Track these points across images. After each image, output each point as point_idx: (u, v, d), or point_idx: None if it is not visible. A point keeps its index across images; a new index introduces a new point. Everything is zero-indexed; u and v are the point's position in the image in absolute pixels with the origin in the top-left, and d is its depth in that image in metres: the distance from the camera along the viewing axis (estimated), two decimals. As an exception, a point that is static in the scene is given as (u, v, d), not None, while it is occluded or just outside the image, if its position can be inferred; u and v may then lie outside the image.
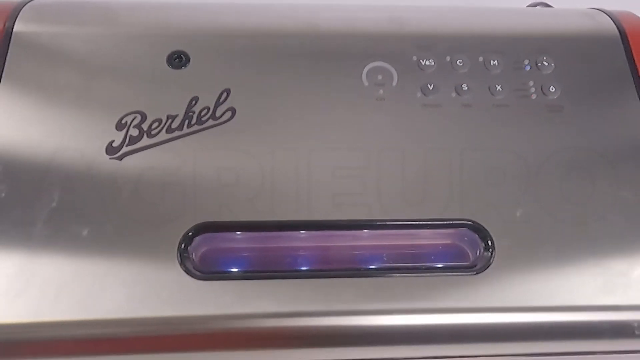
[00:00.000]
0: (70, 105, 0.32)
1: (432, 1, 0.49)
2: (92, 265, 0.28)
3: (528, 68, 0.35)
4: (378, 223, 0.31)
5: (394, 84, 0.34)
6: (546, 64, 0.35)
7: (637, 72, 0.36)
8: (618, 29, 0.37)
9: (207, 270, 0.29)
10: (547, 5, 0.47)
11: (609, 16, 0.38)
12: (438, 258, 0.31)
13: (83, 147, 0.31)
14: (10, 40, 0.33)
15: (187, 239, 0.29)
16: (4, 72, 0.32)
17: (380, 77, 0.34)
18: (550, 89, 0.35)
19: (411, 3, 0.41)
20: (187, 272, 0.28)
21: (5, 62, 0.33)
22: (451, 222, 0.31)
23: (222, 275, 0.29)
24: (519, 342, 0.29)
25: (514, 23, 0.38)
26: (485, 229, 0.31)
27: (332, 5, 0.38)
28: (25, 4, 0.35)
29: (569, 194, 0.32)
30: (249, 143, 0.32)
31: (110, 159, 0.31)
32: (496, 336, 0.29)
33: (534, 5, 0.47)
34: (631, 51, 0.37)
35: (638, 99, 0.35)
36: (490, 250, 0.30)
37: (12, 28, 0.34)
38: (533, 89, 0.35)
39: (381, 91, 0.34)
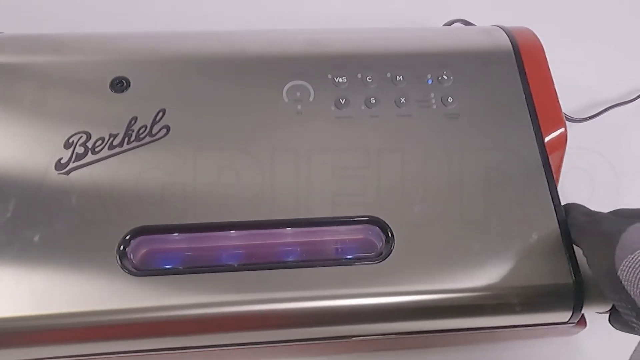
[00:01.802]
0: (24, 126, 0.36)
1: (355, 23, 0.54)
2: (43, 266, 0.33)
3: (430, 82, 0.40)
4: (294, 221, 0.35)
5: (311, 99, 0.39)
6: (446, 77, 0.40)
7: (527, 83, 0.41)
8: (512, 44, 0.42)
9: (142, 267, 0.33)
10: (467, 22, 0.52)
11: (505, 32, 0.43)
12: (349, 250, 0.36)
13: (35, 164, 0.35)
14: (-30, 71, 0.38)
15: (125, 241, 0.34)
16: (-35, 99, 0.37)
17: (298, 93, 0.39)
18: (449, 100, 0.40)
19: (338, 25, 0.46)
20: (125, 269, 0.33)
21: (-35, 90, 0.37)
22: (357, 218, 0.36)
23: (155, 272, 0.33)
24: (412, 320, 0.34)
25: (421, 41, 0.43)
26: (387, 224, 0.35)
27: (257, 31, 0.43)
28: (-16, 38, 0.40)
29: (460, 192, 0.37)
30: (181, 156, 0.36)
31: (58, 174, 0.35)
32: (396, 315, 0.34)
33: (452, 22, 0.52)
34: (523, 64, 0.42)
35: (526, 107, 0.40)
36: (391, 241, 0.35)
37: (-27, 60, 0.38)
38: (434, 100, 0.40)
39: (299, 106, 0.39)
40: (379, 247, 0.35)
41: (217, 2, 0.57)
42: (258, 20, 0.55)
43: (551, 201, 0.37)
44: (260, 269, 0.34)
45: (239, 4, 0.57)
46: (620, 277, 0.29)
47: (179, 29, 0.43)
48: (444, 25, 0.52)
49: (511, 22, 0.46)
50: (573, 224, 0.35)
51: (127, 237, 0.33)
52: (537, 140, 0.39)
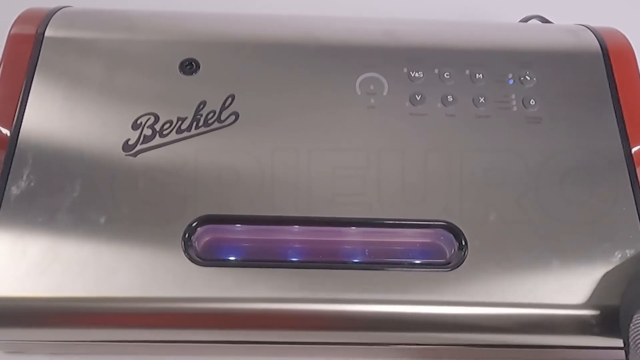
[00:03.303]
0: (92, 105, 0.36)
1: (428, 14, 0.52)
2: (108, 249, 0.32)
3: (511, 82, 0.38)
4: (364, 221, 0.34)
5: (385, 93, 0.37)
6: (528, 78, 0.38)
7: (616, 87, 0.38)
8: (600, 45, 0.40)
9: (208, 257, 0.33)
10: (544, 19, 0.49)
11: (593, 32, 0.41)
12: (417, 254, 0.34)
13: (103, 144, 0.35)
14: (42, 44, 0.37)
15: (191, 229, 0.33)
16: (36, 73, 0.36)
17: (372, 86, 0.37)
18: (531, 102, 0.37)
19: (408, 16, 0.43)
20: (190, 258, 0.32)
21: (37, 64, 0.37)
22: (429, 222, 0.34)
23: (221, 263, 0.33)
24: (485, 333, 0.33)
25: (501, 38, 0.40)
26: (460, 230, 0.34)
27: (330, 17, 0.41)
28: (56, 12, 0.39)
29: (540, 200, 0.35)
30: (249, 144, 0.35)
31: (126, 155, 0.35)
32: (464, 327, 0.33)
33: (528, 19, 0.49)
34: (612, 67, 0.39)
35: (614, 114, 0.37)
36: (464, 249, 0.33)
37: (44, 33, 0.38)
38: (514, 102, 0.37)
39: (372, 100, 0.37)
40: (449, 254, 0.34)
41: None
42: (312, 6, 0.53)
43: (638, 219, 0.34)
44: (324, 268, 0.33)
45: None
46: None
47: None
48: (521, 21, 0.50)
49: (588, 21, 0.43)
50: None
51: (194, 225, 0.33)
52: (624, 152, 0.36)
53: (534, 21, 0.49)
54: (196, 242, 0.33)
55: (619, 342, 0.33)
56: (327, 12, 0.45)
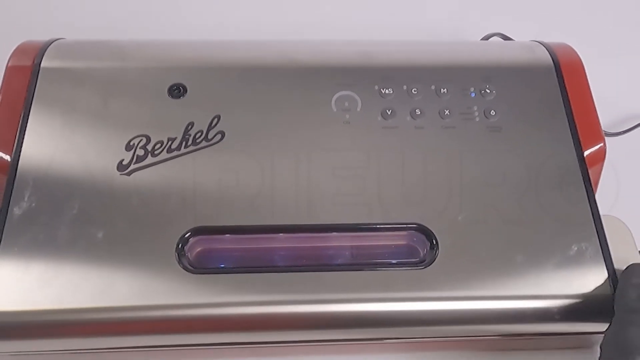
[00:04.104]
0: (87, 129, 0.38)
1: (396, 35, 0.56)
2: (106, 262, 0.35)
3: (473, 95, 0.42)
4: (344, 226, 0.37)
5: (359, 109, 0.41)
6: (488, 91, 0.42)
7: (568, 97, 0.42)
8: (553, 59, 0.44)
9: (200, 266, 0.35)
10: (504, 36, 0.53)
11: (546, 48, 0.45)
12: (394, 255, 0.37)
13: (98, 165, 0.37)
14: (38, 74, 0.40)
15: (184, 240, 0.35)
16: (34, 101, 0.39)
17: (346, 103, 0.41)
18: (491, 113, 0.41)
19: (376, 37, 0.47)
20: (184, 267, 0.35)
21: (34, 93, 0.39)
22: (403, 225, 0.37)
23: (212, 270, 0.35)
24: (458, 325, 0.35)
25: (463, 56, 0.44)
26: (431, 231, 0.37)
27: (304, 40, 0.44)
28: (50, 44, 0.42)
29: (502, 201, 0.38)
30: (235, 160, 0.38)
31: (120, 175, 0.37)
32: (440, 320, 0.35)
33: (490, 36, 0.53)
34: (563, 79, 0.43)
35: (567, 122, 0.41)
36: (435, 248, 0.36)
37: (40, 64, 0.40)
38: (477, 113, 0.41)
39: (347, 116, 0.40)
40: (422, 254, 0.37)
41: (254, 14, 0.59)
42: (294, 31, 0.57)
43: (591, 215, 0.38)
44: (309, 271, 0.35)
45: (276, 16, 0.59)
46: None
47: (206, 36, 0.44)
48: (482, 39, 0.54)
49: (542, 37, 0.47)
50: (620, 299, 0.34)
51: (187, 236, 0.35)
52: (577, 155, 0.40)
53: (495, 38, 0.53)
54: (189, 253, 0.35)
55: (580, 328, 0.36)
56: (303, 34, 0.49)
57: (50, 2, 0.59)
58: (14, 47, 0.42)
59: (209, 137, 0.39)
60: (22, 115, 0.38)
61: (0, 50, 0.42)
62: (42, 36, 0.44)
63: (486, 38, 0.53)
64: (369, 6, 0.61)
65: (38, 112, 0.39)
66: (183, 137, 0.39)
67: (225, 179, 0.37)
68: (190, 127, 0.39)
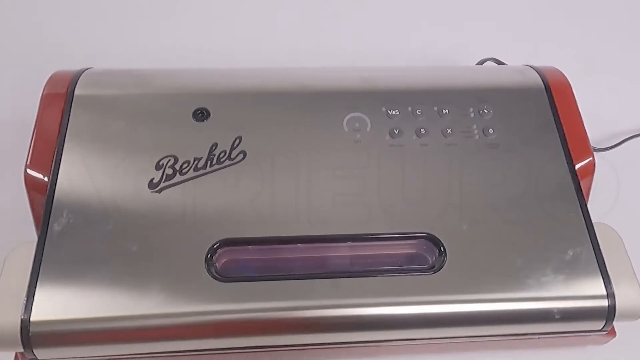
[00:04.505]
0: (119, 151, 0.41)
1: (395, 61, 0.60)
2: (141, 273, 0.37)
3: (472, 115, 0.45)
4: (358, 236, 0.40)
5: (368, 129, 0.44)
6: (486, 111, 0.45)
7: (558, 115, 0.46)
8: (543, 82, 0.48)
9: (226, 274, 0.38)
10: (497, 61, 0.58)
11: (537, 71, 0.49)
12: (406, 262, 0.40)
13: (131, 184, 0.40)
14: (72, 101, 0.43)
15: (213, 251, 0.38)
16: (69, 126, 0.42)
17: (357, 124, 0.44)
18: (490, 131, 0.45)
19: (379, 63, 0.51)
20: (212, 276, 0.37)
21: (69, 118, 0.42)
22: (414, 234, 0.40)
23: (237, 278, 0.38)
24: (467, 326, 0.38)
25: (461, 79, 0.48)
26: (439, 239, 0.40)
27: (318, 68, 0.48)
28: (81, 73, 0.45)
29: (502, 211, 0.41)
30: (257, 177, 0.41)
31: (151, 192, 0.40)
32: (450, 321, 0.38)
33: (484, 61, 0.58)
34: (553, 99, 0.47)
35: (558, 138, 0.45)
36: (443, 255, 0.39)
37: (74, 92, 0.44)
38: (476, 131, 0.45)
39: (358, 135, 0.44)
40: (431, 261, 0.40)
41: (255, 44, 0.63)
42: (290, 59, 0.61)
43: (584, 222, 0.41)
44: (327, 278, 0.38)
45: (275, 44, 0.64)
46: None
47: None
48: (477, 63, 0.58)
49: (532, 57, 0.51)
50: None
51: (216, 247, 0.38)
52: (569, 167, 0.43)
53: (489, 63, 0.57)
54: (217, 262, 0.38)
55: (577, 327, 0.39)
56: (313, 61, 0.53)
57: (75, 33, 0.62)
58: (39, 75, 0.45)
59: (232, 156, 0.42)
60: (58, 139, 0.42)
61: (29, 79, 0.45)
62: (67, 66, 0.47)
63: (481, 63, 0.58)
64: (364, 33, 0.65)
65: (73, 136, 0.42)
66: (208, 156, 0.42)
67: (247, 195, 0.41)
68: (214, 147, 0.42)
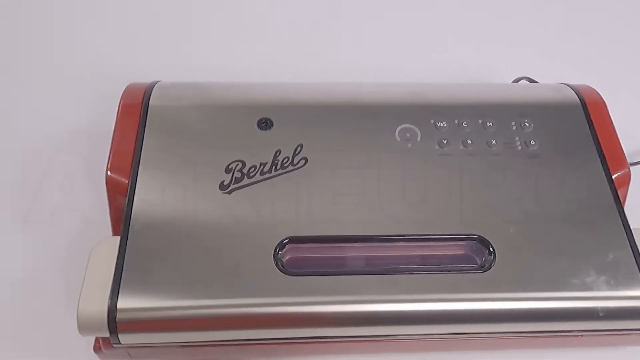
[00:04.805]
0: (192, 156, 0.45)
1: (435, 79, 0.64)
2: (216, 266, 0.40)
3: (514, 128, 0.49)
4: (415, 237, 0.43)
5: (419, 139, 0.48)
6: (527, 124, 0.49)
7: (594, 129, 0.49)
8: (579, 99, 0.51)
9: (292, 269, 0.41)
10: (531, 79, 0.61)
11: (573, 89, 0.52)
12: (456, 262, 0.43)
13: (203, 185, 0.44)
14: (147, 111, 0.47)
15: (281, 246, 0.42)
16: (145, 133, 0.46)
17: (408, 134, 0.48)
18: (531, 142, 0.48)
19: (422, 79, 0.55)
20: (280, 269, 0.41)
21: (145, 126, 0.46)
22: (465, 235, 0.43)
23: (305, 272, 0.41)
24: (515, 322, 0.41)
25: (504, 95, 0.52)
26: (489, 241, 0.43)
27: (371, 84, 0.52)
28: (154, 85, 0.50)
29: (545, 215, 0.44)
30: (318, 181, 0.45)
31: (222, 193, 0.44)
32: (498, 318, 0.41)
33: (519, 79, 0.61)
34: (589, 115, 0.50)
35: (595, 150, 0.48)
36: (493, 255, 0.42)
37: (149, 103, 0.48)
38: (518, 142, 0.48)
39: (409, 145, 0.47)
40: (479, 261, 0.43)
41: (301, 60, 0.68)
42: (324, 76, 0.65)
43: (623, 227, 0.44)
44: (385, 274, 0.41)
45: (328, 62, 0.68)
46: None
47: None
48: (513, 82, 0.62)
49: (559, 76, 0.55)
50: None
51: (285, 242, 0.41)
52: (606, 177, 0.46)
53: (523, 81, 0.61)
54: (284, 257, 0.42)
55: (619, 326, 0.42)
56: (365, 78, 0.58)
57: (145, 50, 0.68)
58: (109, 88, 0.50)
59: (295, 162, 0.46)
60: (135, 145, 0.46)
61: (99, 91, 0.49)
62: (129, 79, 0.52)
63: (516, 81, 0.61)
64: (389, 53, 0.70)
65: (150, 142, 0.46)
66: (272, 162, 0.45)
67: (310, 197, 0.44)
68: (278, 154, 0.46)
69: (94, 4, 0.72)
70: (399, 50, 0.70)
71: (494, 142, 0.48)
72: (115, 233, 0.45)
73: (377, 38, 0.71)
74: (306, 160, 0.46)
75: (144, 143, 0.46)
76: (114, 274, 0.40)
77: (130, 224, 0.42)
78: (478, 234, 0.43)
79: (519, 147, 0.48)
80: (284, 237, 0.42)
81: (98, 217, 0.49)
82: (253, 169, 0.45)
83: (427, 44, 0.70)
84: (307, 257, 0.42)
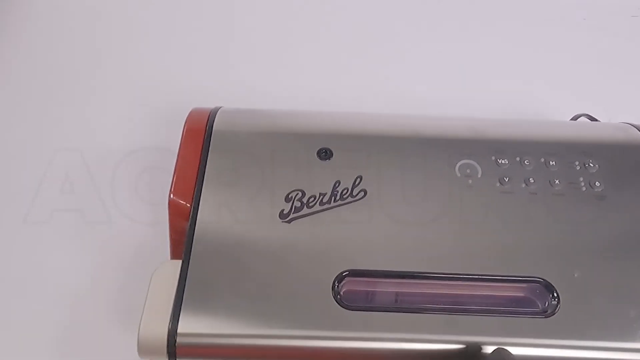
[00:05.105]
0: (253, 183, 0.46)
1: (480, 113, 0.64)
2: (274, 296, 0.40)
3: (578, 167, 0.48)
4: (477, 277, 0.42)
5: (479, 175, 0.47)
6: (592, 165, 0.48)
7: (662, 173, 0.48)
8: (645, 140, 0.50)
9: (352, 303, 0.41)
10: (591, 117, 0.60)
11: (637, 129, 0.51)
12: (517, 304, 0.42)
13: (263, 214, 0.44)
14: (211, 136, 0.48)
15: (340, 279, 0.41)
16: (209, 158, 0.47)
17: (468, 170, 0.47)
18: (596, 184, 0.47)
19: (478, 115, 0.55)
20: (338, 303, 0.40)
21: (209, 151, 0.47)
22: (529, 278, 0.42)
23: (364, 307, 0.40)
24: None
25: (567, 133, 0.51)
26: (553, 285, 0.42)
27: (430, 116, 0.52)
28: (217, 111, 0.51)
29: (611, 260, 0.43)
30: (377, 215, 0.45)
31: (282, 222, 0.44)
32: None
33: (578, 116, 0.60)
34: (655, 156, 0.49)
35: None
36: (557, 300, 0.41)
37: (212, 127, 0.49)
38: (583, 183, 0.47)
39: (470, 181, 0.47)
40: (541, 305, 0.42)
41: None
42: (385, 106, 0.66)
43: (695, 276, 0.42)
44: (444, 313, 0.41)
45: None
46: None
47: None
48: (571, 119, 0.61)
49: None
50: None
51: (344, 274, 0.41)
52: (676, 223, 0.45)
53: (583, 118, 0.60)
54: (342, 291, 0.41)
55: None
56: (420, 110, 0.58)
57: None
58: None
59: (354, 194, 0.46)
60: (199, 170, 0.46)
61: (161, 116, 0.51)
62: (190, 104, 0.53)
63: (575, 118, 0.60)
64: (454, 85, 0.70)
65: (213, 167, 0.47)
66: (332, 192, 0.46)
67: (369, 230, 0.44)
68: (337, 184, 0.46)
69: (165, 30, 0.75)
70: (453, 82, 0.70)
71: (557, 181, 0.47)
72: (174, 256, 0.46)
73: (435, 71, 0.71)
74: (365, 192, 0.46)
75: (207, 168, 0.46)
76: (175, 298, 0.40)
77: (192, 248, 0.42)
78: (542, 277, 0.42)
79: (584, 188, 0.47)
80: (342, 270, 0.42)
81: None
82: (312, 198, 0.45)
83: (480, 78, 0.70)
84: (366, 291, 0.42)
